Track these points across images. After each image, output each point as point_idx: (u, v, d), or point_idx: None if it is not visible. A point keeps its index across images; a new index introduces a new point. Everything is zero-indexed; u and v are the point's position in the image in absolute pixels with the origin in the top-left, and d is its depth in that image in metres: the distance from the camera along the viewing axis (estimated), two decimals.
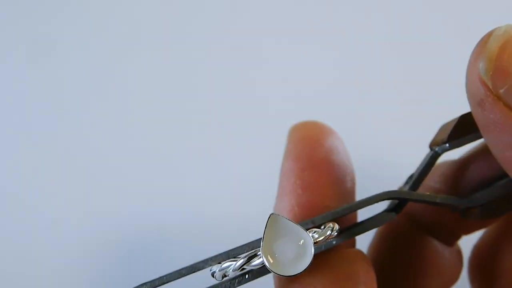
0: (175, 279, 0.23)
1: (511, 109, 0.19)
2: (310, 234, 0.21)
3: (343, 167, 0.25)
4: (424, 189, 0.26)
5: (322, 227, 0.22)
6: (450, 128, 0.24)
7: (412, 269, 0.28)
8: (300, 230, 0.21)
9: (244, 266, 0.21)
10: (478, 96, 0.20)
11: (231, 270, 0.21)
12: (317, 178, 0.24)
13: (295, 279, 0.22)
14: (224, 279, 0.23)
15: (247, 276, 0.23)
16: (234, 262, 0.21)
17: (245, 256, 0.21)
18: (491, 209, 0.25)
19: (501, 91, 0.19)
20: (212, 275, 0.22)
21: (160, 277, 0.23)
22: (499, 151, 0.21)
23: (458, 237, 0.28)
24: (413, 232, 0.28)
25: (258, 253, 0.21)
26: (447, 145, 0.24)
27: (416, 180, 0.25)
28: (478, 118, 0.21)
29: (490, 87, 0.19)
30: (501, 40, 0.19)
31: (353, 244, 0.26)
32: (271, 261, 0.20)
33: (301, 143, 0.25)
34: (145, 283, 0.23)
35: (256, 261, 0.21)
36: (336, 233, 0.22)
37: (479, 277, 0.29)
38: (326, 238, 0.22)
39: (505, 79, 0.19)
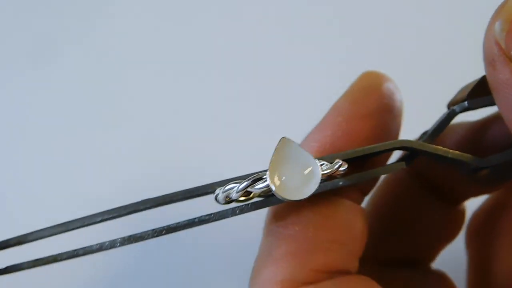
0: (178, 201, 0.23)
1: None
2: (319, 164, 0.21)
3: (388, 125, 0.25)
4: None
5: (331, 162, 0.22)
6: (471, 87, 0.24)
7: (408, 223, 0.28)
8: (310, 157, 0.21)
9: (248, 189, 0.21)
10: (490, 56, 0.20)
11: (234, 192, 0.21)
12: (360, 129, 0.24)
13: (284, 216, 0.23)
14: (227, 206, 0.22)
15: (249, 205, 0.22)
16: (238, 184, 0.21)
17: (250, 179, 0.21)
18: (501, 173, 0.24)
19: None
20: (216, 198, 0.22)
21: (164, 195, 0.23)
22: (506, 113, 0.20)
23: (463, 198, 0.28)
24: (415, 189, 0.28)
25: (264, 176, 0.20)
26: (466, 103, 0.24)
27: (431, 135, 0.24)
28: (489, 78, 0.21)
29: (503, 47, 0.19)
30: None
31: (360, 201, 0.25)
32: (277, 183, 0.20)
33: (362, 90, 0.25)
34: (148, 199, 0.22)
35: (261, 184, 0.21)
36: (343, 170, 0.22)
37: (474, 242, 0.29)
38: (333, 171, 0.21)
39: None
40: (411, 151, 0.24)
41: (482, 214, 0.29)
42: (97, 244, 0.23)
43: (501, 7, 0.20)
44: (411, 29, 0.44)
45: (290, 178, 0.20)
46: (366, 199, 0.28)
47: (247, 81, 0.42)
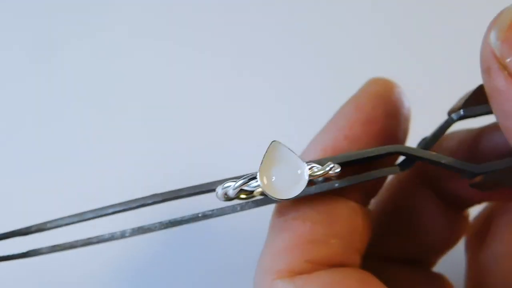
0: (184, 196, 0.25)
1: None
2: (309, 167, 0.22)
3: (393, 131, 0.26)
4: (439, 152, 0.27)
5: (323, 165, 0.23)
6: (467, 96, 0.25)
7: (411, 225, 0.29)
8: (298, 160, 0.22)
9: (243, 187, 0.22)
10: (486, 64, 0.21)
11: (231, 189, 0.23)
12: (362, 134, 0.25)
13: (286, 212, 0.24)
14: (229, 203, 0.24)
15: (250, 203, 0.24)
16: (234, 182, 0.22)
17: (245, 178, 0.22)
18: (496, 180, 0.25)
19: (507, 60, 0.20)
20: (216, 195, 0.24)
21: (171, 191, 0.24)
22: (502, 120, 0.21)
23: (468, 204, 0.29)
24: (422, 191, 0.29)
25: (257, 175, 0.22)
26: (462, 111, 0.25)
27: (428, 141, 0.25)
28: (485, 86, 0.21)
29: (498, 55, 0.20)
30: None
31: (365, 202, 0.27)
32: (265, 182, 0.21)
33: (368, 96, 0.26)
34: (156, 194, 0.24)
35: (254, 183, 0.22)
36: (336, 172, 0.23)
37: (474, 246, 0.29)
38: (325, 173, 0.22)
39: None
40: (407, 157, 0.25)
41: (482, 218, 0.29)
42: (108, 234, 0.25)
43: (497, 18, 0.21)
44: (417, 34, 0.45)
45: (279, 179, 0.22)
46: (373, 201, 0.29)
47: (261, 79, 0.43)
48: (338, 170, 0.23)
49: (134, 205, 0.24)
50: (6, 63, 0.42)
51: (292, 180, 0.22)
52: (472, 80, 0.25)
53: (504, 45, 0.20)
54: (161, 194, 0.24)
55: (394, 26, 0.45)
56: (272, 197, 0.21)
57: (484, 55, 0.21)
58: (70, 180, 0.39)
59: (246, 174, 0.23)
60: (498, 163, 0.25)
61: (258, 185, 0.22)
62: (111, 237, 0.25)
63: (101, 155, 0.40)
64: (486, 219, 0.29)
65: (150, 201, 0.24)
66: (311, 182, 0.24)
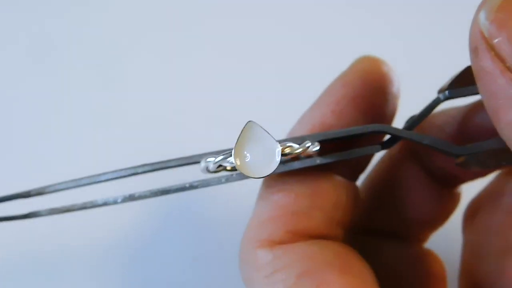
0: (172, 167, 0.26)
1: (501, 59, 0.20)
2: (288, 144, 0.23)
3: (380, 109, 0.27)
4: (431, 131, 0.27)
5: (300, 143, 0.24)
6: (454, 77, 0.25)
7: (400, 199, 0.29)
8: (272, 140, 0.23)
9: (221, 163, 0.23)
10: (474, 43, 0.21)
11: (211, 164, 0.24)
12: (349, 111, 0.26)
13: (272, 185, 0.25)
14: (213, 175, 0.25)
15: (234, 175, 0.25)
16: (215, 158, 0.23)
17: (224, 154, 0.23)
18: (478, 162, 0.25)
19: (495, 41, 0.20)
20: (200, 168, 0.25)
21: (161, 161, 0.26)
22: (487, 100, 0.21)
23: (459, 181, 0.29)
24: (412, 167, 0.29)
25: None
26: (447, 92, 0.25)
27: (415, 120, 0.25)
28: (472, 66, 0.21)
29: (486, 36, 0.20)
30: None
31: (352, 178, 0.27)
32: (239, 162, 0.22)
33: (355, 73, 0.27)
34: (146, 164, 0.26)
35: (232, 160, 0.23)
36: (315, 150, 0.24)
37: (470, 225, 0.29)
38: (303, 151, 0.23)
39: (501, 30, 0.20)
40: (390, 136, 0.25)
41: (480, 198, 0.29)
42: (102, 200, 0.26)
43: None
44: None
45: (253, 158, 0.22)
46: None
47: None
48: (317, 148, 0.24)
49: (126, 173, 0.26)
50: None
51: (266, 159, 0.22)
52: (464, 61, 0.24)
53: (493, 26, 0.20)
54: (151, 164, 0.25)
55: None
56: (246, 175, 0.22)
57: (473, 34, 0.21)
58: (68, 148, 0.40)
59: (225, 150, 0.24)
60: (480, 144, 0.25)
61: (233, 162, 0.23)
62: (104, 203, 0.26)
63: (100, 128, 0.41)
64: (484, 199, 0.29)
65: (140, 170, 0.26)
66: (295, 158, 0.25)
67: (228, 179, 0.25)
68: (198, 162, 0.25)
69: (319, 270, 0.23)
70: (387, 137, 0.26)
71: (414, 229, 0.30)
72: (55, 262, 0.37)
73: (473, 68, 0.21)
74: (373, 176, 0.30)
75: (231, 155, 0.23)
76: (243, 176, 0.25)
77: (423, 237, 0.30)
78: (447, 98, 0.25)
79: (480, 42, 0.20)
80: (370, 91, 0.26)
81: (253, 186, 0.27)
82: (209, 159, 0.24)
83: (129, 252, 0.38)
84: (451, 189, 0.29)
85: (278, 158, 0.22)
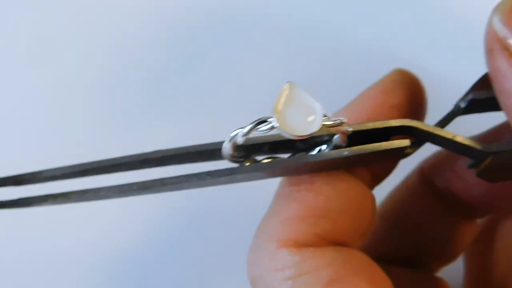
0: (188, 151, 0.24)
1: None
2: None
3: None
4: None
5: None
6: (473, 84, 0.25)
7: (416, 230, 0.28)
8: (313, 100, 0.22)
9: (252, 132, 0.22)
10: (489, 45, 0.22)
11: (240, 137, 0.22)
12: (384, 118, 0.25)
13: (298, 182, 0.24)
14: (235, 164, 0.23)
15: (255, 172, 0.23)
16: (242, 129, 0.22)
17: (254, 122, 0.22)
18: (502, 165, 0.25)
19: (509, 41, 0.21)
20: (223, 152, 0.23)
21: (175, 148, 0.24)
22: (503, 98, 0.22)
23: (475, 214, 0.29)
24: (429, 197, 0.28)
25: (269, 119, 0.22)
26: (470, 95, 0.25)
27: (440, 122, 0.25)
28: (488, 67, 0.22)
29: (500, 37, 0.21)
30: None
31: (371, 187, 0.26)
32: (279, 119, 0.21)
33: (394, 83, 0.27)
34: (159, 150, 0.24)
35: (264, 127, 0.22)
36: (347, 130, 0.23)
37: (472, 250, 0.29)
38: (340, 124, 0.22)
39: None
40: (416, 134, 0.25)
41: (483, 230, 0.29)
42: (107, 188, 0.24)
43: (500, 3, 0.22)
44: None
45: (293, 118, 0.21)
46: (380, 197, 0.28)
47: None
48: (350, 129, 0.23)
49: (137, 159, 0.23)
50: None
51: (306, 120, 0.21)
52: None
53: (506, 27, 0.21)
54: (164, 150, 0.24)
55: None
56: (287, 133, 0.21)
57: (488, 37, 0.22)
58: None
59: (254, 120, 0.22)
60: (505, 143, 0.24)
61: (270, 127, 0.21)
62: (106, 195, 0.24)
63: None
64: (486, 224, 0.28)
65: (152, 156, 0.23)
66: (318, 143, 0.24)
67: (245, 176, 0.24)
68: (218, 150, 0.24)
69: (349, 279, 0.22)
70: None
71: (427, 259, 0.29)
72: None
73: (489, 69, 0.22)
74: (388, 203, 0.29)
75: (263, 122, 0.22)
76: (267, 166, 0.23)
77: (437, 267, 0.29)
78: (469, 103, 0.25)
79: (494, 43, 0.21)
80: (406, 103, 0.26)
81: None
82: (234, 133, 0.22)
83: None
84: (469, 222, 0.28)
85: (320, 118, 0.21)
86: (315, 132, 0.23)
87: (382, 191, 0.28)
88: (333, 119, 0.22)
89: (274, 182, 0.25)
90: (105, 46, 0.40)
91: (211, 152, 0.24)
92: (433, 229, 0.28)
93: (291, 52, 0.41)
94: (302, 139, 0.23)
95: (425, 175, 0.28)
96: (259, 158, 0.24)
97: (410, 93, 0.26)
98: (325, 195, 0.23)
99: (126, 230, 0.36)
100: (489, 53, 0.22)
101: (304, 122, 0.21)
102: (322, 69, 0.39)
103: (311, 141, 0.24)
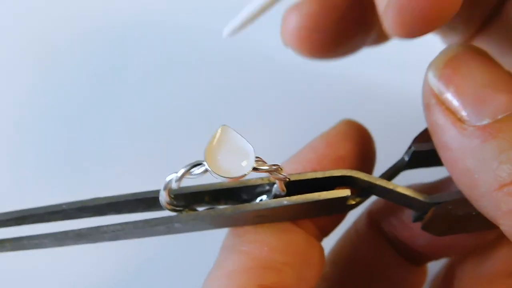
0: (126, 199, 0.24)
1: (451, 112, 0.21)
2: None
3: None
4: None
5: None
6: (415, 137, 0.26)
7: (367, 276, 0.28)
8: (247, 143, 0.22)
9: (185, 175, 0.22)
10: (426, 100, 0.22)
11: (173, 182, 0.22)
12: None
13: (242, 234, 0.24)
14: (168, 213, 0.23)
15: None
16: (176, 174, 0.22)
17: (187, 166, 0.22)
18: (445, 216, 0.24)
19: (444, 96, 0.22)
20: (160, 198, 0.23)
21: (113, 195, 0.24)
22: (441, 151, 0.22)
23: (426, 259, 0.28)
24: (378, 244, 0.28)
25: (202, 162, 0.22)
26: (413, 147, 0.25)
27: (385, 175, 0.25)
28: (427, 121, 0.23)
29: (436, 92, 0.22)
30: (449, 54, 0.22)
31: (318, 239, 0.26)
32: (211, 163, 0.21)
33: (338, 135, 0.27)
34: (97, 198, 0.24)
35: (197, 170, 0.22)
36: (282, 175, 0.23)
37: None
38: (275, 170, 0.22)
39: (448, 85, 0.22)
40: (358, 185, 0.25)
41: (442, 273, 0.29)
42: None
43: (434, 59, 0.23)
44: None
45: (225, 162, 0.21)
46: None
47: None
48: (289, 178, 0.23)
49: (74, 206, 0.23)
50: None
51: (239, 163, 0.21)
52: None
53: (441, 82, 0.22)
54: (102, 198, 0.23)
55: None
56: (219, 175, 0.21)
57: (424, 93, 0.22)
58: None
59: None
60: (447, 194, 0.24)
61: (204, 170, 0.21)
62: (41, 243, 0.23)
63: None
64: (446, 275, 0.28)
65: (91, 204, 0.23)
66: (260, 193, 0.24)
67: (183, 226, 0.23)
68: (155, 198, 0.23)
69: None
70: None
71: None
72: None
73: (428, 124, 0.23)
74: (337, 250, 0.29)
75: (197, 165, 0.22)
76: (205, 218, 0.23)
77: None
78: (412, 155, 0.25)
79: (430, 98, 0.22)
80: (352, 155, 0.26)
81: None
82: (169, 178, 0.22)
83: None
84: (418, 267, 0.28)
85: (252, 161, 0.21)
86: (252, 179, 0.23)
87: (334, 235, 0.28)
88: (269, 164, 0.22)
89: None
90: None
91: (150, 200, 0.24)
92: (383, 273, 0.28)
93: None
94: (244, 188, 0.23)
95: (372, 219, 0.28)
96: (200, 208, 0.24)
97: (357, 145, 0.26)
98: (270, 246, 0.23)
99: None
100: (427, 108, 0.22)
101: (237, 164, 0.21)
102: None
103: (254, 192, 0.24)
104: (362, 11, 0.26)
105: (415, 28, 0.21)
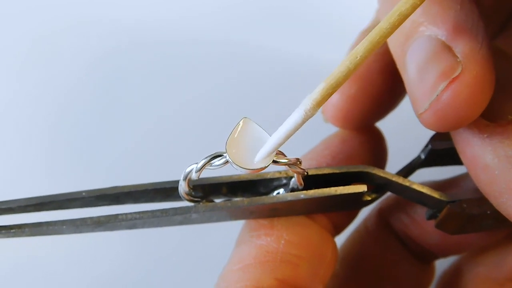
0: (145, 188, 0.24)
1: None
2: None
3: None
4: None
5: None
6: (432, 136, 0.26)
7: (376, 273, 0.28)
8: (268, 136, 0.22)
9: (206, 166, 0.22)
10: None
11: (194, 172, 0.22)
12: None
13: (259, 228, 0.24)
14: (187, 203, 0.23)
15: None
16: (196, 164, 0.22)
17: (207, 157, 0.22)
18: (459, 215, 0.25)
19: None
20: (179, 190, 0.23)
21: (132, 184, 0.24)
22: (460, 148, 0.22)
23: (434, 257, 0.28)
24: (387, 242, 0.28)
25: (223, 154, 0.22)
26: (430, 145, 0.26)
27: (401, 172, 0.26)
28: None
29: None
30: None
31: (332, 234, 0.26)
32: (232, 154, 0.21)
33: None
34: (116, 186, 0.24)
35: (218, 161, 0.22)
36: (301, 170, 0.23)
37: None
38: (294, 163, 0.22)
39: None
40: (375, 181, 0.25)
41: (451, 271, 0.29)
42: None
43: None
44: None
45: (246, 152, 0.21)
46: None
47: None
48: (303, 169, 0.23)
49: (93, 194, 0.23)
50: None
51: (259, 156, 0.21)
52: None
53: None
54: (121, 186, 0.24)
55: None
56: (240, 167, 0.21)
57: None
58: None
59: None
60: (461, 192, 0.25)
61: (224, 161, 0.21)
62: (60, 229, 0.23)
63: None
64: (454, 272, 0.28)
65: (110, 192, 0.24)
66: (276, 187, 0.24)
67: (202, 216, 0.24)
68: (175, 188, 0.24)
69: None
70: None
71: None
72: None
73: None
74: (347, 247, 0.29)
75: (217, 156, 0.22)
76: (222, 208, 0.23)
77: None
78: (429, 153, 0.25)
79: None
80: (365, 152, 0.26)
81: None
82: (188, 169, 0.22)
83: None
84: (427, 264, 0.28)
85: (273, 154, 0.21)
86: (270, 173, 0.23)
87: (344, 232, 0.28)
88: (288, 157, 0.22)
89: None
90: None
91: (168, 191, 0.24)
92: (393, 271, 0.28)
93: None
94: (261, 181, 0.23)
95: (382, 217, 0.28)
96: (217, 200, 0.24)
97: (369, 142, 0.27)
98: (285, 240, 0.23)
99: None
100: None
101: (256, 158, 0.21)
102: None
103: (271, 185, 0.25)
104: (396, 89, 0.26)
105: (449, 129, 0.21)
